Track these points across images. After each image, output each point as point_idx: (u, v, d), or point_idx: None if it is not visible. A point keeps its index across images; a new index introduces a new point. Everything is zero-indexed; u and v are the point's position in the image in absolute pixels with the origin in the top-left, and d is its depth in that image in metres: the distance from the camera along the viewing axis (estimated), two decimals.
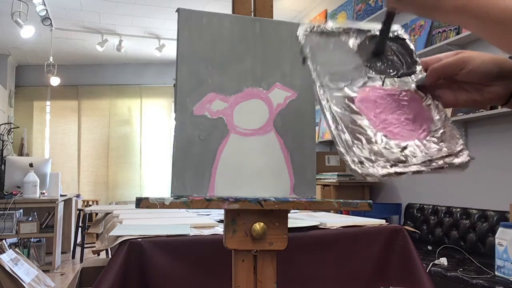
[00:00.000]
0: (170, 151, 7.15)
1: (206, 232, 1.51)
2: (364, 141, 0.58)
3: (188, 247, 1.39)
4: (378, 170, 0.56)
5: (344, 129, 0.58)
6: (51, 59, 6.07)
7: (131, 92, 7.79)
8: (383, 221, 1.71)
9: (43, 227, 4.51)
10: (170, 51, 6.59)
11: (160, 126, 7.84)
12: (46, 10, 5.24)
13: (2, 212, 4.10)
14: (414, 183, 3.70)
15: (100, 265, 1.91)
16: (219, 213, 2.09)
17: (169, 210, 2.24)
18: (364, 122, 0.59)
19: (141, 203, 0.70)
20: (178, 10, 0.76)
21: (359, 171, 0.55)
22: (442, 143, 0.60)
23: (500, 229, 2.37)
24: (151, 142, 7.77)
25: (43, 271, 3.62)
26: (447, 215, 3.21)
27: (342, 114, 0.59)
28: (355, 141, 0.58)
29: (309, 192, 0.82)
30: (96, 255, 2.13)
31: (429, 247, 3.20)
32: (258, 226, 0.77)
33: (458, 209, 3.13)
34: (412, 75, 0.66)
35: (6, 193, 4.20)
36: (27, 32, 5.23)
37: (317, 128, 5.00)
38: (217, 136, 0.76)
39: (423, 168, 0.57)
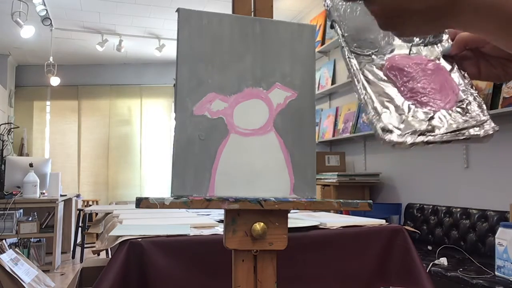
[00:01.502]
0: (170, 151, 7.15)
1: (206, 232, 1.51)
2: (392, 109, 0.58)
3: (188, 247, 1.39)
4: (407, 139, 0.56)
5: (373, 97, 0.58)
6: (51, 59, 6.07)
7: (131, 92, 7.79)
8: (383, 221, 1.71)
9: (43, 227, 4.51)
10: (170, 51, 6.60)
11: (160, 126, 7.84)
12: (46, 10, 5.24)
13: (2, 212, 4.10)
14: (414, 183, 3.70)
15: (100, 265, 1.91)
16: (219, 213, 2.09)
17: (169, 210, 2.24)
18: (392, 90, 0.60)
19: (141, 203, 0.70)
20: (178, 10, 0.76)
21: (388, 139, 0.55)
22: (467, 114, 0.61)
23: (500, 229, 2.37)
24: (151, 142, 7.78)
25: (43, 271, 3.62)
26: (447, 215, 3.21)
27: (371, 82, 0.60)
28: (384, 109, 0.58)
29: (309, 192, 0.82)
30: (96, 255, 2.13)
31: (429, 247, 3.20)
32: (258, 226, 0.77)
33: (458, 209, 3.13)
34: (439, 44, 0.66)
35: (6, 193, 4.20)
36: (27, 32, 5.23)
37: (317, 128, 5.00)
38: (217, 136, 0.76)
39: (450, 138, 0.58)
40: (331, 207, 0.82)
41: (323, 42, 5.08)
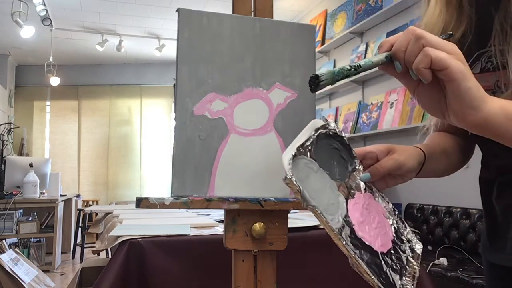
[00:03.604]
0: (170, 151, 7.14)
1: (206, 232, 1.51)
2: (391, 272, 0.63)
3: (188, 247, 1.39)
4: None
5: (377, 270, 0.61)
6: (51, 59, 6.07)
7: (131, 92, 7.79)
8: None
9: (43, 227, 4.51)
10: (170, 51, 6.60)
11: (160, 126, 7.84)
12: (46, 10, 5.24)
13: (2, 212, 4.10)
14: (414, 183, 3.70)
15: (100, 265, 1.91)
16: (219, 213, 2.09)
17: (169, 210, 2.24)
18: (373, 251, 0.63)
19: (141, 203, 0.70)
20: (178, 10, 0.76)
21: None
22: (403, 234, 0.69)
23: None
24: (151, 142, 7.78)
25: (43, 271, 3.62)
26: (447, 215, 3.21)
27: (366, 257, 0.61)
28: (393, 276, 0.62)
29: None
30: (96, 255, 2.13)
31: (429, 247, 3.20)
32: (258, 226, 0.77)
33: (458, 209, 3.13)
34: (354, 172, 0.69)
35: (6, 193, 4.20)
36: (27, 32, 5.23)
37: None
38: (217, 136, 0.76)
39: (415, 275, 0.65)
40: None
41: (323, 42, 5.08)
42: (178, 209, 2.07)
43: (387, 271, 0.62)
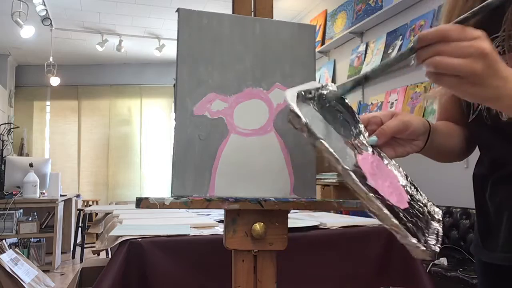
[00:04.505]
0: (170, 151, 7.14)
1: (206, 232, 1.51)
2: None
3: (188, 247, 1.39)
4: (435, 247, 0.55)
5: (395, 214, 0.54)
6: (51, 59, 6.07)
7: (131, 92, 7.79)
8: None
9: (43, 227, 4.51)
10: (170, 51, 6.59)
11: (160, 126, 7.84)
12: (46, 10, 5.23)
13: (2, 212, 4.09)
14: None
15: (100, 265, 1.91)
16: (219, 213, 2.09)
17: (169, 210, 2.24)
18: (387, 203, 0.56)
19: (141, 203, 0.70)
20: (178, 10, 0.76)
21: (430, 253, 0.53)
22: (417, 198, 0.65)
23: None
24: (151, 142, 7.77)
25: (43, 271, 3.62)
26: (447, 215, 3.21)
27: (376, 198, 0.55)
28: (418, 225, 0.56)
29: (309, 192, 0.82)
30: (96, 255, 2.13)
31: None
32: (258, 226, 0.77)
33: (458, 209, 3.13)
34: (360, 135, 0.67)
35: (6, 193, 4.20)
36: (27, 32, 5.22)
37: None
38: (217, 136, 0.76)
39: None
40: (331, 207, 0.82)
41: (323, 42, 5.08)
42: (178, 209, 2.07)
43: (407, 224, 0.54)
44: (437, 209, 0.66)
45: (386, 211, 0.52)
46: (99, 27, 6.06)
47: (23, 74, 7.51)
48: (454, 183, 3.23)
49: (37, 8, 5.00)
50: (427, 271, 2.51)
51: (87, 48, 6.77)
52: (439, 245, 0.55)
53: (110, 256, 2.48)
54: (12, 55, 7.02)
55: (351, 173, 0.54)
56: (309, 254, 1.48)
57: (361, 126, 0.68)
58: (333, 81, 4.83)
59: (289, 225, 0.81)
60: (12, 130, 5.51)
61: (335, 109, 0.67)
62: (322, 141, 0.55)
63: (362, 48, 4.37)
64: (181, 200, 0.71)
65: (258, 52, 0.80)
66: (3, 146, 4.47)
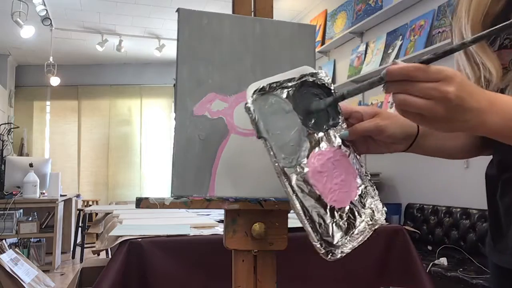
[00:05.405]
0: (170, 151, 7.13)
1: (206, 232, 1.51)
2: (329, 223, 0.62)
3: (188, 247, 1.39)
4: (345, 249, 0.62)
5: (315, 218, 0.61)
6: (51, 59, 6.07)
7: (131, 92, 7.79)
8: (383, 221, 1.71)
9: (43, 227, 4.51)
10: (170, 51, 6.59)
11: (160, 126, 7.84)
12: (46, 10, 5.23)
13: (2, 212, 4.09)
14: (414, 183, 3.70)
15: (100, 265, 1.91)
16: (219, 213, 2.09)
17: (169, 210, 2.24)
18: (321, 201, 0.63)
19: (141, 203, 0.70)
20: (178, 10, 0.76)
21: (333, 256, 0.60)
22: (368, 200, 0.69)
23: None
24: (151, 142, 7.77)
25: (43, 271, 3.62)
26: (447, 215, 3.21)
27: (308, 202, 0.61)
28: (323, 225, 0.62)
29: None
30: (96, 255, 2.13)
31: (429, 247, 3.20)
32: (258, 226, 0.77)
33: (458, 209, 3.13)
34: (336, 127, 0.69)
35: (6, 193, 4.20)
36: (27, 32, 5.22)
37: None
38: (217, 136, 0.76)
39: (366, 234, 0.65)
40: None
41: (323, 42, 5.08)
42: (178, 209, 2.07)
43: (330, 223, 0.61)
44: (382, 217, 0.70)
45: (301, 212, 0.59)
46: (99, 27, 6.05)
47: (23, 74, 7.50)
48: (454, 183, 3.23)
49: (37, 8, 5.00)
50: (427, 271, 2.51)
51: (87, 48, 6.76)
52: (348, 251, 0.61)
53: (110, 256, 2.48)
54: (12, 55, 7.01)
55: (283, 174, 0.61)
56: (309, 254, 1.48)
57: (341, 119, 0.69)
58: (333, 81, 4.83)
59: (289, 225, 0.81)
60: (12, 130, 5.51)
61: (316, 97, 0.68)
62: (265, 142, 0.61)
63: (362, 48, 4.37)
64: (181, 200, 0.71)
65: (258, 52, 0.80)
66: (3, 146, 4.47)
